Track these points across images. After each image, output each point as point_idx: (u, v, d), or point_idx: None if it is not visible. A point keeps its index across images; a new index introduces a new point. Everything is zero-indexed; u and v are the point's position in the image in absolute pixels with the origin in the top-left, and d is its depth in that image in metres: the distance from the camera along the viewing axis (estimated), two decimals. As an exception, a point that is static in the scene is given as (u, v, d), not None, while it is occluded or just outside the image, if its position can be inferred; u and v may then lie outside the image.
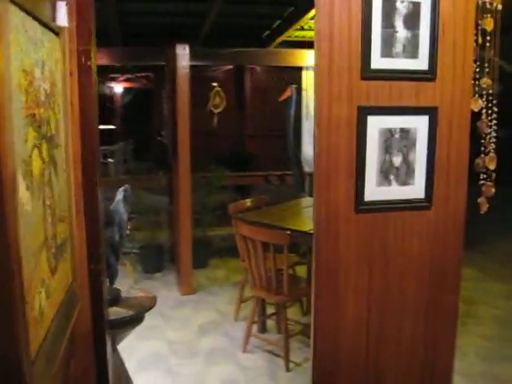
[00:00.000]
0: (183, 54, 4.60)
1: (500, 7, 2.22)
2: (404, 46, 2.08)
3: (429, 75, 2.12)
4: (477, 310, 4.61)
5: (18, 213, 1.14)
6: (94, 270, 1.98)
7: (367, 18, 2.02)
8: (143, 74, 13.55)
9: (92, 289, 1.98)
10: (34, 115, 1.33)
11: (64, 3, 1.64)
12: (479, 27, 2.20)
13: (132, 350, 3.76)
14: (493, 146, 2.31)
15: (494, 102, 2.28)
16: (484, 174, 2.32)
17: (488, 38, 2.22)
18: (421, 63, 2.10)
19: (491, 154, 2.30)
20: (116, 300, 2.45)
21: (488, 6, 2.20)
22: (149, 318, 3.92)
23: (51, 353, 1.40)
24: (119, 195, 2.45)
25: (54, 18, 1.58)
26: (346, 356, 2.25)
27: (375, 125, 2.09)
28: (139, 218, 5.65)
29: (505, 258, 6.12)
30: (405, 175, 2.17)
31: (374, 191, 2.14)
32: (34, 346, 1.24)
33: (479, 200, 2.34)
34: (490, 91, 2.28)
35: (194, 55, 4.81)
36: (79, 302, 1.88)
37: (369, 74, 2.06)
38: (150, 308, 2.50)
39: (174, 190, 5.31)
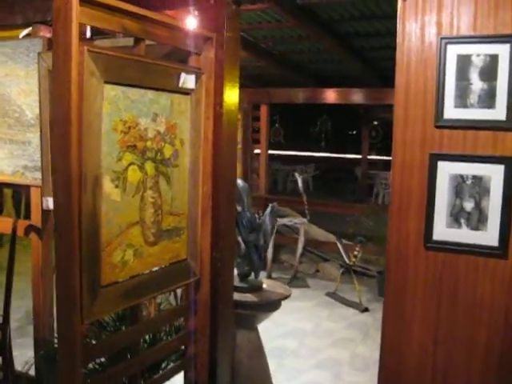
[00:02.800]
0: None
1: None
2: (479, 97, 2.19)
3: (507, 125, 2.16)
4: None
5: (101, 199, 1.98)
6: (214, 258, 2.70)
7: (441, 72, 2.23)
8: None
9: (212, 270, 2.70)
10: (135, 146, 2.15)
11: (191, 75, 2.42)
12: None
13: (318, 351, 4.33)
14: None
15: None
16: None
17: None
18: (498, 113, 2.17)
19: None
20: (256, 289, 3.12)
21: None
22: (350, 331, 4.40)
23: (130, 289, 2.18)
24: (268, 209, 3.12)
25: (177, 84, 2.37)
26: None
27: (446, 170, 2.26)
28: (381, 244, 6.10)
29: None
30: (476, 221, 2.25)
31: (443, 232, 2.29)
32: (106, 279, 2.05)
33: None
34: None
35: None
36: (196, 276, 2.62)
37: (442, 123, 2.25)
38: (281, 299, 3.09)
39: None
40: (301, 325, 5.13)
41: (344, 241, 6.14)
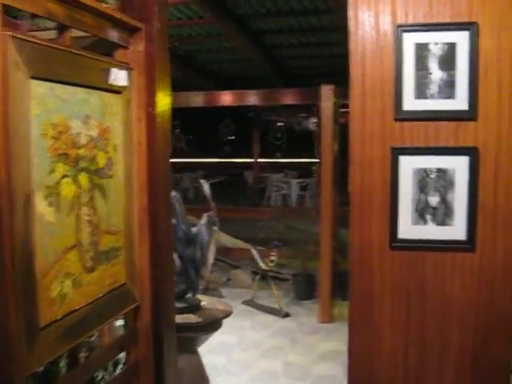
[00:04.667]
0: (327, 94, 4.89)
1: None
2: (439, 87, 2.10)
3: (468, 115, 2.10)
4: None
5: (34, 221, 1.60)
6: (155, 278, 2.38)
7: (399, 62, 2.11)
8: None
9: (153, 293, 2.38)
10: (67, 154, 1.79)
11: (123, 71, 2.10)
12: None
13: (249, 365, 4.11)
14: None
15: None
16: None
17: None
18: (460, 103, 2.10)
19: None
20: (195, 308, 2.83)
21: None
22: (277, 339, 4.28)
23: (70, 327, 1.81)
24: (203, 220, 2.85)
25: (107, 81, 2.04)
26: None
27: (408, 165, 2.15)
28: (293, 247, 6.05)
29: None
30: (443, 215, 2.16)
31: (408, 229, 2.18)
32: (45, 318, 1.67)
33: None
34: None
35: (342, 95, 5.07)
36: (136, 301, 2.29)
37: (401, 115, 2.13)
38: (222, 319, 2.82)
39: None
40: (224, 338, 4.86)
41: (258, 247, 6.00)
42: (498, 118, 2.09)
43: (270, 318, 5.43)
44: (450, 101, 2.11)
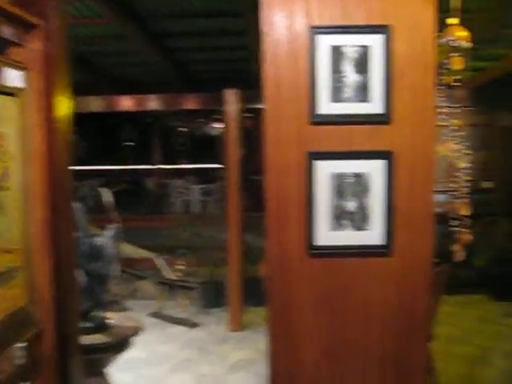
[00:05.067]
0: (231, 99, 4.82)
1: (469, 45, 2.15)
2: (355, 90, 2.08)
3: (383, 119, 2.09)
4: None
5: None
6: (58, 299, 2.17)
7: (313, 65, 2.06)
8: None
9: (56, 315, 2.17)
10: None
11: (17, 71, 1.89)
12: (446, 67, 2.16)
13: (160, 381, 3.93)
14: (466, 190, 2.21)
15: (466, 144, 2.20)
16: (457, 220, 2.22)
17: (457, 77, 2.15)
18: (374, 107, 2.09)
19: (463, 200, 2.20)
20: (102, 327, 2.63)
21: (454, 44, 2.14)
22: (187, 351, 4.12)
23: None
24: (109, 232, 2.66)
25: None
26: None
27: (325, 169, 2.11)
28: (201, 254, 5.91)
29: None
30: (360, 220, 2.14)
31: (326, 235, 2.13)
32: None
33: (454, 247, 2.23)
34: (461, 133, 2.20)
35: (248, 99, 5.02)
36: (37, 326, 2.07)
37: (317, 119, 2.09)
38: (131, 337, 2.64)
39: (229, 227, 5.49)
40: (133, 354, 4.61)
41: (164, 256, 5.80)
42: (412, 122, 2.10)
43: (179, 329, 5.26)
44: (364, 104, 2.09)
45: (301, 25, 2.07)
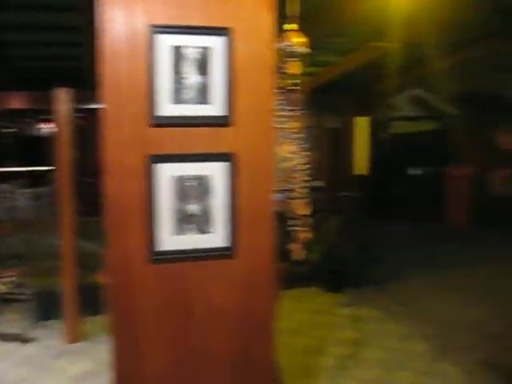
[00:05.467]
0: (62, 98, 4.54)
1: (307, 51, 2.23)
2: (196, 92, 2.05)
3: (225, 121, 2.09)
4: (363, 352, 4.57)
5: None
6: None
7: (153, 65, 1.99)
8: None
9: None
10: None
11: None
12: (284, 71, 2.22)
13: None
14: (304, 190, 2.30)
15: (305, 146, 2.28)
16: (296, 219, 2.30)
17: (295, 81, 2.22)
18: (215, 109, 2.08)
19: (302, 199, 2.29)
20: None
21: (292, 49, 2.21)
22: (22, 369, 3.78)
23: None
24: None
25: None
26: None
27: (166, 173, 2.05)
28: (33, 264, 5.49)
29: (409, 299, 6.12)
30: (204, 223, 2.12)
31: (169, 240, 2.08)
32: None
33: (292, 246, 2.31)
34: (300, 135, 2.28)
35: (79, 98, 4.76)
36: None
37: (157, 121, 2.02)
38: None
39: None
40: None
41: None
42: (253, 124, 2.13)
43: (11, 346, 4.81)
44: (206, 106, 2.07)
45: (140, 23, 1.98)
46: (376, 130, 8.32)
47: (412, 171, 10.57)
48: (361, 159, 6.80)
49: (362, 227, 6.89)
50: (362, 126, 6.76)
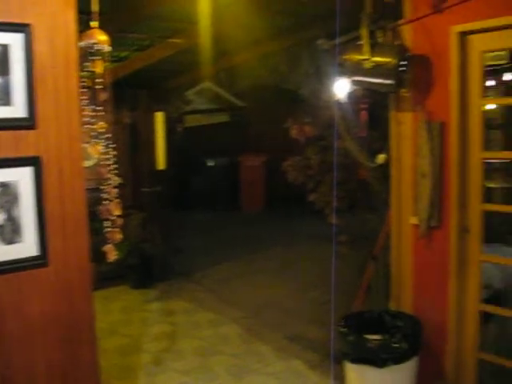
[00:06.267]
0: None
1: (109, 49, 2.19)
2: (-4, 96, 1.90)
3: (28, 123, 1.98)
4: (178, 343, 4.65)
5: None
6: None
7: None
8: None
9: None
10: None
11: None
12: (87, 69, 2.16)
13: None
14: (115, 190, 2.27)
15: (112, 144, 2.25)
16: (108, 220, 2.26)
17: (99, 80, 2.17)
18: (17, 110, 1.95)
19: (114, 200, 2.26)
20: None
21: (96, 47, 2.15)
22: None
23: None
24: None
25: None
26: None
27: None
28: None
29: (217, 286, 6.35)
30: (11, 233, 1.98)
31: (-28, 254, 1.91)
32: None
33: (105, 248, 2.27)
34: (107, 134, 2.24)
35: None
36: None
37: (-50, 124, 1.83)
38: None
39: None
40: None
41: None
42: (58, 125, 2.05)
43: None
44: (7, 108, 1.94)
45: None
46: (172, 124, 8.45)
47: (209, 163, 10.93)
48: (160, 154, 6.86)
49: (164, 221, 6.96)
50: (158, 121, 6.82)
